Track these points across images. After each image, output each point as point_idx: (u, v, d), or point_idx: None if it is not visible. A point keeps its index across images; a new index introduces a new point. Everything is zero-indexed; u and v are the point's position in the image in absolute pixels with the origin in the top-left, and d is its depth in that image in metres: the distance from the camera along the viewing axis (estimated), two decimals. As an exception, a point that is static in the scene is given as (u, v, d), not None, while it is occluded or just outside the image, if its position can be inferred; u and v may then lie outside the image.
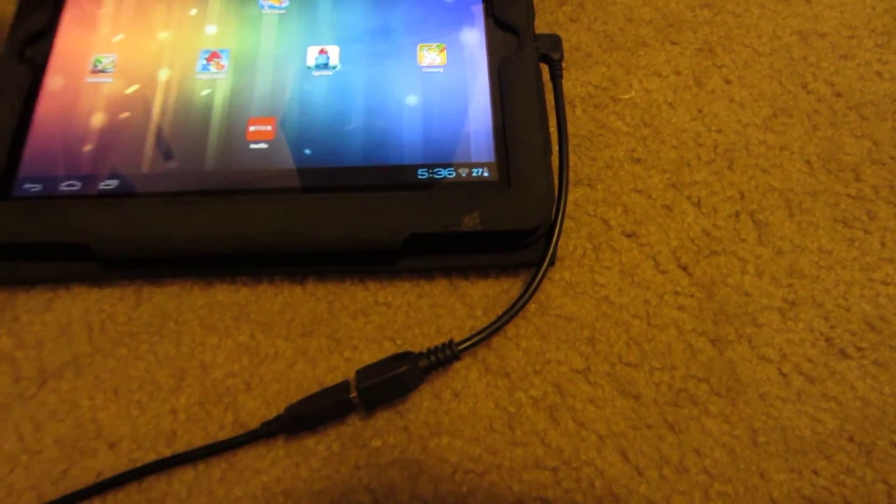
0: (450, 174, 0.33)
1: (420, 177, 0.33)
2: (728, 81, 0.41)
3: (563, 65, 0.40)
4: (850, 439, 0.32)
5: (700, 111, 0.40)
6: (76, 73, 0.36)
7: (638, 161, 0.38)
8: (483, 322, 0.34)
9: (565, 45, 0.41)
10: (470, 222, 0.31)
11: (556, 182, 0.35)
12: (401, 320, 0.34)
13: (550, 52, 0.36)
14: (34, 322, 0.34)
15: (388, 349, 0.33)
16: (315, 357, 0.33)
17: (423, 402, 0.32)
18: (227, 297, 0.34)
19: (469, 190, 0.33)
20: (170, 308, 0.34)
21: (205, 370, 0.33)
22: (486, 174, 0.33)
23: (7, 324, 0.34)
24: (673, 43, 0.42)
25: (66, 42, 0.37)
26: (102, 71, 0.36)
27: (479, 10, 0.38)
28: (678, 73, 0.41)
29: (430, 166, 0.33)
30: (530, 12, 0.37)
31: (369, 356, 0.33)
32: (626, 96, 0.40)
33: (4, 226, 0.32)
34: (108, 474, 0.30)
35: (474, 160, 0.34)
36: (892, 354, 0.33)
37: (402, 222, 0.32)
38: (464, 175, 0.33)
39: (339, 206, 0.32)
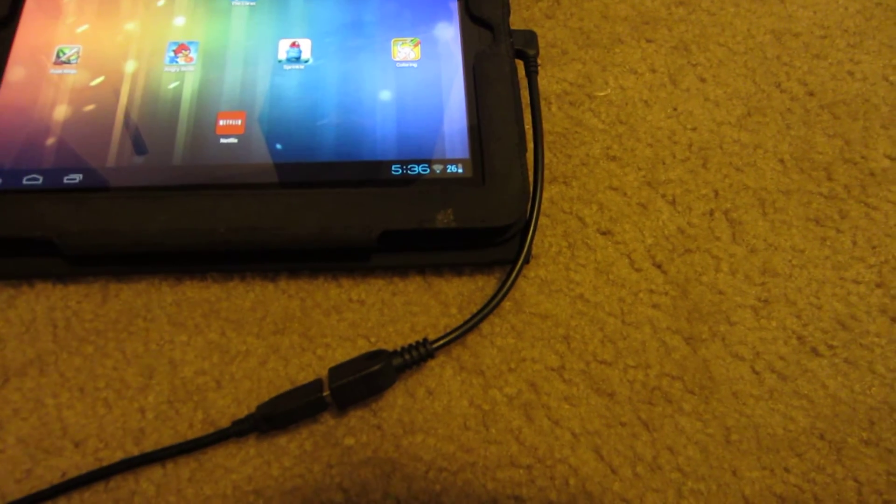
0: (424, 171, 0.33)
1: (394, 173, 0.33)
2: (703, 79, 0.41)
3: (539, 61, 0.40)
4: (821, 437, 0.32)
5: (675, 109, 0.40)
6: (38, 64, 0.35)
7: (613, 159, 0.38)
8: (458, 320, 0.34)
9: (541, 42, 0.41)
10: (444, 219, 0.31)
11: (531, 179, 0.34)
12: (374, 318, 0.34)
13: (526, 48, 0.36)
14: (-4, 319, 0.33)
15: (362, 347, 0.33)
16: (287, 355, 0.33)
17: (396, 400, 0.32)
18: (197, 294, 0.34)
19: (443, 186, 0.32)
20: (138, 305, 0.33)
21: (174, 368, 0.32)
22: (460, 171, 0.33)
23: (-32, 321, 0.33)
24: (648, 41, 0.42)
25: (27, 32, 0.36)
26: (66, 62, 0.35)
27: (454, 6, 0.37)
28: (654, 71, 0.41)
29: (403, 162, 0.33)
30: (505, 8, 0.37)
31: (342, 354, 0.33)
32: (602, 94, 0.40)
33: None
34: (74, 473, 0.30)
35: (448, 156, 0.33)
36: (862, 353, 0.34)
37: (376, 219, 0.31)
38: (438, 171, 0.33)
39: (312, 201, 0.32)
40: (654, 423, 0.32)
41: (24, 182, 0.32)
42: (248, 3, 0.37)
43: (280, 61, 0.36)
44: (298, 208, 0.32)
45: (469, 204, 0.32)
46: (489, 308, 0.32)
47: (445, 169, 0.33)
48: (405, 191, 0.32)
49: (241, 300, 0.34)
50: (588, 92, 0.40)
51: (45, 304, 0.33)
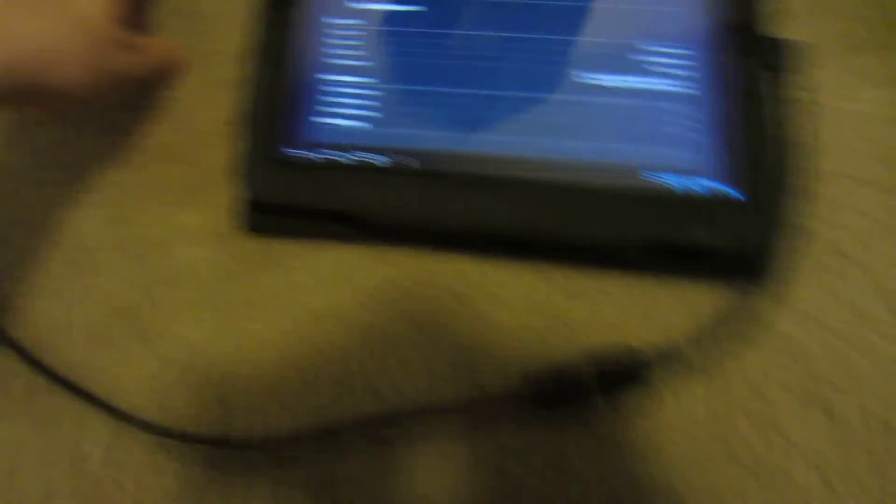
0: (692, 184, 0.35)
1: (670, 183, 0.35)
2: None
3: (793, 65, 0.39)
4: None
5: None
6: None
7: (868, 183, 0.38)
8: (702, 332, 0.36)
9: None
10: (710, 236, 0.34)
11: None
12: (620, 314, 0.37)
13: (789, 54, 0.36)
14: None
15: (605, 341, 0.36)
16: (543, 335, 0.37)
17: (641, 404, 0.36)
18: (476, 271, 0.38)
19: (712, 204, 0.34)
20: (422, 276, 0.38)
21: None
22: (725, 187, 0.35)
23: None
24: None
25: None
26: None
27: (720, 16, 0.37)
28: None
29: (679, 171, 0.35)
30: (777, 16, 0.37)
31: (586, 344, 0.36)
32: (865, 107, 0.39)
33: (276, 188, 0.37)
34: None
35: (716, 173, 0.35)
36: None
37: (646, 228, 0.34)
38: (704, 186, 0.35)
39: (578, 201, 0.35)
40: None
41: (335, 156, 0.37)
42: None
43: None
44: (571, 208, 0.35)
45: (739, 226, 0.34)
46: (738, 326, 0.35)
47: (711, 184, 0.35)
48: (676, 202, 0.35)
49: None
50: (846, 103, 0.39)
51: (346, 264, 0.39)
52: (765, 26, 0.37)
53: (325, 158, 0.37)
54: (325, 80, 0.38)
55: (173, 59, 0.40)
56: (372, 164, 0.37)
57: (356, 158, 0.37)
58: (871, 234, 0.38)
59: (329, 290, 0.39)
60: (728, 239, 0.34)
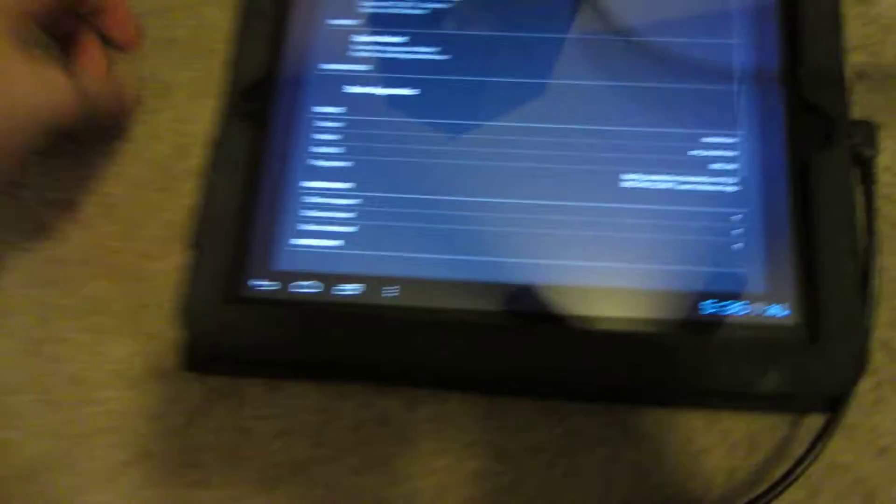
0: (741, 311, 0.28)
1: (703, 312, 0.28)
2: None
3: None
4: None
5: None
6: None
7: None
8: (746, 465, 0.30)
9: (853, 112, 0.33)
10: (769, 384, 0.27)
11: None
12: (650, 450, 0.30)
13: (864, 147, 0.30)
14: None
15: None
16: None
17: None
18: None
19: (765, 338, 0.27)
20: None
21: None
22: (785, 314, 0.28)
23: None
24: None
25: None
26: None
27: (782, 89, 0.30)
28: None
29: (717, 297, 0.28)
30: (847, 93, 0.30)
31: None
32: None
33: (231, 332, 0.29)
34: None
35: (769, 294, 0.28)
36: None
37: (687, 373, 0.27)
38: (757, 313, 0.28)
39: (617, 344, 0.28)
40: None
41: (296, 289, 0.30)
42: None
43: None
44: (600, 350, 0.28)
45: (798, 364, 0.27)
46: (796, 474, 0.28)
47: (765, 311, 0.28)
48: (721, 340, 0.28)
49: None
50: (906, 183, 0.33)
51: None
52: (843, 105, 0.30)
53: (295, 293, 0.29)
54: (304, 191, 0.31)
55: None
56: (357, 300, 0.29)
57: (343, 292, 0.29)
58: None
59: (293, 443, 0.31)
60: (789, 383, 0.27)
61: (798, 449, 0.29)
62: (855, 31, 0.35)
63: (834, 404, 0.29)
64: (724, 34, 0.31)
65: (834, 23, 0.30)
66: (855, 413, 0.30)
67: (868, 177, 0.30)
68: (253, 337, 0.29)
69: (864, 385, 0.31)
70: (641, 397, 0.30)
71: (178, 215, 0.34)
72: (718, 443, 0.30)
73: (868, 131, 0.30)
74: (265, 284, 0.29)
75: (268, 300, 0.29)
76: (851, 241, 0.28)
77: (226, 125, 0.31)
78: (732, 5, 0.32)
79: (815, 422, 0.30)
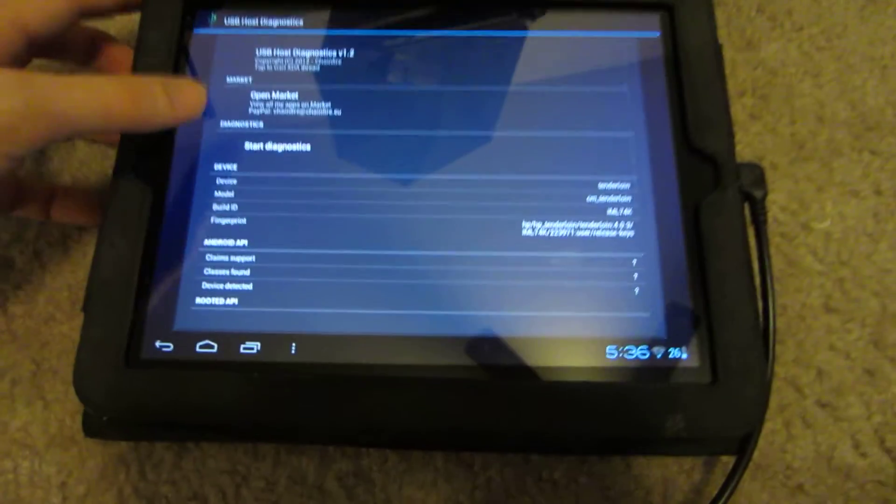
0: (643, 355, 0.28)
1: (608, 357, 0.28)
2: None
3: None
4: None
5: (905, 246, 0.34)
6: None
7: (833, 311, 0.33)
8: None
9: (747, 152, 0.35)
10: (673, 427, 0.26)
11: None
12: (568, 500, 0.30)
13: (753, 188, 0.31)
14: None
15: None
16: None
17: None
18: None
19: (668, 382, 0.27)
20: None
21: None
22: (683, 357, 0.28)
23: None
24: (872, 152, 0.35)
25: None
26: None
27: (666, 137, 0.31)
28: (879, 194, 0.35)
29: (619, 342, 0.28)
30: (731, 137, 0.30)
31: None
32: (821, 226, 0.34)
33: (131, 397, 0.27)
34: None
35: (669, 337, 0.28)
36: None
37: (593, 420, 0.26)
38: (659, 357, 0.28)
39: (524, 395, 0.27)
40: None
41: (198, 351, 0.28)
42: None
43: None
44: (511, 402, 0.27)
45: (701, 406, 0.27)
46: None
47: (667, 354, 0.28)
48: (624, 385, 0.27)
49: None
50: (803, 221, 0.34)
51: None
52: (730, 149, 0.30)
53: (197, 353, 0.28)
54: (206, 250, 0.30)
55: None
56: (255, 358, 0.28)
57: (242, 351, 0.28)
58: (842, 375, 0.32)
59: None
60: (693, 427, 0.26)
61: (714, 491, 0.30)
62: (745, 74, 0.37)
63: (743, 444, 0.29)
64: (616, 84, 0.32)
65: (717, 72, 0.31)
66: (767, 452, 0.31)
67: (758, 216, 0.31)
68: (153, 400, 0.27)
69: (775, 423, 0.31)
70: (552, 446, 0.30)
71: (80, 277, 0.34)
72: (634, 488, 0.30)
73: (756, 173, 0.31)
74: (166, 346, 0.28)
75: (169, 362, 0.28)
76: (745, 280, 0.28)
77: (121, 184, 0.30)
78: (624, 56, 0.32)
79: (730, 462, 0.30)
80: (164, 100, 0.27)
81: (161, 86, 0.28)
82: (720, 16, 0.37)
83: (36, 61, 0.34)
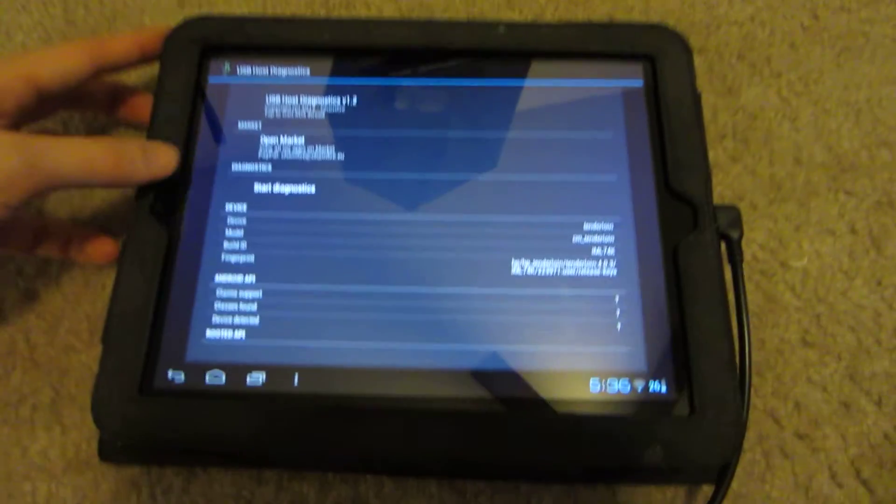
0: (624, 388, 0.30)
1: (592, 389, 0.29)
2: (912, 247, 0.36)
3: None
4: None
5: (879, 283, 0.35)
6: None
7: (810, 345, 0.34)
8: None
9: (727, 194, 0.37)
10: (652, 457, 0.28)
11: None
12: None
13: (729, 230, 0.32)
14: None
15: None
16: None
17: None
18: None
19: (647, 414, 0.29)
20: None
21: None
22: (663, 390, 0.29)
23: None
24: (847, 192, 0.37)
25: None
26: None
27: (649, 181, 0.33)
28: (854, 233, 0.37)
29: (602, 375, 0.30)
30: (709, 182, 0.32)
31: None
32: (798, 263, 0.36)
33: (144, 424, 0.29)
34: None
35: (650, 371, 0.30)
36: None
37: (577, 450, 0.28)
38: (640, 390, 0.30)
39: (513, 424, 0.28)
40: None
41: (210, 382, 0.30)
42: None
43: None
44: (500, 432, 0.28)
45: (678, 437, 0.28)
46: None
47: (647, 387, 0.30)
48: (606, 417, 0.29)
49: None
50: (781, 259, 0.36)
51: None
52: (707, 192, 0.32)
53: (207, 383, 0.30)
54: (217, 286, 0.32)
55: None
56: (261, 389, 0.30)
57: (249, 382, 0.30)
58: (818, 407, 0.33)
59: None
60: (671, 456, 0.28)
61: (695, 518, 0.31)
62: (726, 118, 0.39)
63: (721, 474, 0.31)
64: (601, 130, 0.34)
65: (696, 119, 0.33)
66: (747, 481, 0.32)
67: (734, 256, 0.32)
68: (164, 427, 0.29)
69: (754, 454, 0.33)
70: (541, 474, 0.31)
71: (98, 308, 0.36)
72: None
73: (732, 214, 0.32)
74: (178, 376, 0.30)
75: (180, 392, 0.30)
76: (722, 316, 0.30)
77: (138, 222, 0.32)
78: (609, 104, 0.35)
79: (710, 492, 0.31)
80: (142, 161, 0.31)
81: (140, 150, 0.31)
82: (702, 63, 0.40)
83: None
